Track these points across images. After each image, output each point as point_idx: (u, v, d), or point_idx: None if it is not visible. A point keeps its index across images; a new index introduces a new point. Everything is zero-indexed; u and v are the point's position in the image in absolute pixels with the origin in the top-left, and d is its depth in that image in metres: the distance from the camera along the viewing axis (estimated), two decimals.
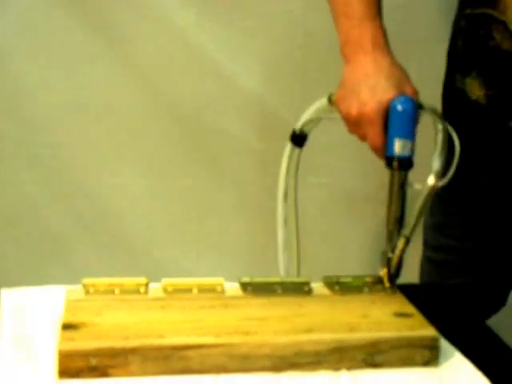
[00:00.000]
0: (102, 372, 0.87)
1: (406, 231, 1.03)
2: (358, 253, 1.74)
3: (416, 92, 1.04)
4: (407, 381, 0.92)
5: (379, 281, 1.07)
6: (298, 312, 0.99)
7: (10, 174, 1.74)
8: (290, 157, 1.21)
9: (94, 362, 0.87)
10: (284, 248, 1.25)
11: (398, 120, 1.01)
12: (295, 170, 1.22)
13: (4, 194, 1.75)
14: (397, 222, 1.04)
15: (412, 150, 1.02)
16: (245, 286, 1.04)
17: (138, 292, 1.01)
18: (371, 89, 1.01)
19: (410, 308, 1.01)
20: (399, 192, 1.03)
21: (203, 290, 1.03)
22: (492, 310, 1.02)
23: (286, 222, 1.24)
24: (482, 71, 1.18)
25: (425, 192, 1.01)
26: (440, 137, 1.01)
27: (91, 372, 0.87)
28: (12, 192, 1.75)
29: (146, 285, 1.02)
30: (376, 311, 1.00)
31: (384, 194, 1.05)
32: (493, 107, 1.19)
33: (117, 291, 1.01)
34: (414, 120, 1.02)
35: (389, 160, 1.03)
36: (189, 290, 1.02)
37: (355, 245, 1.74)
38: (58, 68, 1.70)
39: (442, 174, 1.00)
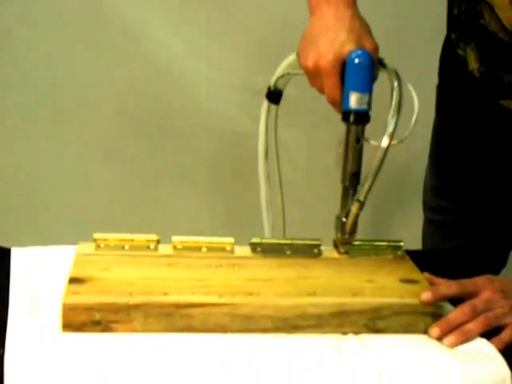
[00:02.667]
0: (105, 327, 0.89)
1: (359, 195, 1.01)
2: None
3: (376, 47, 1.02)
4: (410, 346, 0.92)
5: (389, 245, 1.07)
6: (303, 274, 0.99)
7: None
8: (268, 114, 1.21)
9: (97, 316, 0.88)
10: (268, 206, 1.25)
11: (354, 73, 0.99)
12: (274, 128, 1.21)
13: None
14: (353, 177, 1.02)
15: (369, 104, 1.00)
16: (254, 247, 1.05)
17: (147, 248, 1.02)
18: (330, 41, 0.99)
19: (417, 274, 1.01)
20: (355, 147, 1.01)
21: (212, 248, 1.04)
22: (492, 272, 1.01)
23: (268, 179, 1.23)
24: (477, 45, 1.16)
25: (378, 154, 0.99)
26: (395, 97, 0.99)
27: (95, 326, 0.88)
28: None
29: (157, 241, 1.03)
30: (382, 276, 1.00)
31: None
32: (484, 83, 1.18)
33: (127, 247, 1.02)
34: (370, 74, 0.99)
35: (345, 114, 1.01)
36: (198, 249, 1.03)
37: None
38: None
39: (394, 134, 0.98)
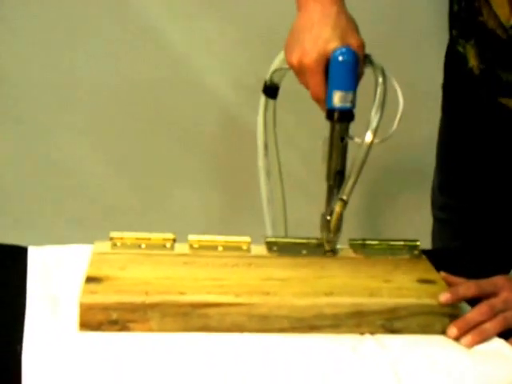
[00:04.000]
0: (123, 326, 0.89)
1: (342, 194, 1.00)
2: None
3: (361, 44, 1.00)
4: (427, 346, 0.92)
5: (405, 245, 1.07)
6: (320, 274, 0.99)
7: None
8: (265, 109, 1.20)
9: (114, 315, 0.88)
10: (269, 202, 1.24)
11: (337, 71, 0.98)
12: (273, 122, 1.21)
13: None
14: (337, 176, 1.02)
15: (353, 103, 0.99)
16: (270, 246, 1.04)
17: (163, 247, 1.02)
18: (314, 38, 0.98)
19: (434, 274, 1.01)
20: (339, 145, 1.01)
21: (229, 247, 1.04)
22: (501, 271, 1.01)
23: (268, 174, 1.23)
24: (477, 42, 1.16)
25: (361, 151, 0.98)
26: (379, 93, 0.98)
27: (112, 325, 0.88)
28: None
29: (173, 240, 1.03)
30: (399, 276, 0.99)
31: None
32: (484, 81, 1.17)
33: (143, 246, 1.02)
34: (354, 72, 0.98)
35: (329, 112, 1.00)
36: (214, 248, 1.03)
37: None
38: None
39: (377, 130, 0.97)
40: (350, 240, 1.07)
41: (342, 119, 1.00)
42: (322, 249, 1.05)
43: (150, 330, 0.89)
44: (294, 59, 1.00)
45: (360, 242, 1.07)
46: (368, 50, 1.01)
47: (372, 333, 0.93)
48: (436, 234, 1.48)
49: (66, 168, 1.82)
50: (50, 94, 1.75)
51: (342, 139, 1.00)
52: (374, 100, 0.98)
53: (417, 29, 1.73)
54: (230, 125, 1.81)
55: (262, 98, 1.19)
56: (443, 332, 0.94)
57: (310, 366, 0.86)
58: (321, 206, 1.04)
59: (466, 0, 1.16)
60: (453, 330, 0.93)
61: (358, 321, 0.92)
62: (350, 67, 0.98)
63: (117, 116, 1.78)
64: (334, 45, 0.98)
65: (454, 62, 1.26)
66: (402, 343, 0.92)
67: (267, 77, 1.16)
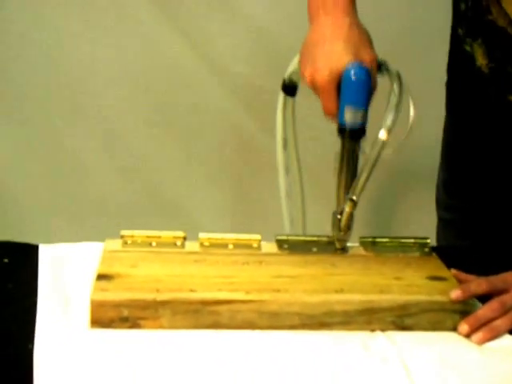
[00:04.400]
0: (133, 323, 0.89)
1: (352, 194, 0.99)
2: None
3: (374, 59, 0.99)
4: (438, 343, 0.92)
5: (415, 242, 1.07)
6: (330, 271, 0.99)
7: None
8: (284, 106, 1.20)
9: (125, 312, 0.89)
10: (287, 200, 1.24)
11: (349, 88, 0.96)
12: (292, 120, 1.21)
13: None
14: (347, 189, 1.00)
15: (364, 119, 0.98)
16: (280, 244, 1.05)
17: (174, 245, 1.03)
18: (326, 54, 0.97)
19: (444, 272, 1.01)
20: (350, 161, 1.00)
21: (239, 245, 1.04)
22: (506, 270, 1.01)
23: (287, 171, 1.22)
24: (485, 41, 1.15)
25: (374, 150, 0.96)
26: (395, 93, 0.96)
27: (123, 323, 0.89)
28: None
29: (183, 238, 1.04)
30: (410, 273, 0.99)
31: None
32: (493, 79, 1.17)
33: (154, 244, 1.02)
34: (367, 89, 0.97)
35: (340, 128, 0.99)
36: (225, 246, 1.03)
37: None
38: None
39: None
40: (361, 238, 1.07)
41: (353, 136, 0.99)
42: (333, 247, 1.05)
43: (161, 327, 0.89)
44: (307, 75, 0.99)
45: (370, 239, 1.07)
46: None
47: (383, 330, 0.93)
48: (441, 234, 1.47)
49: (77, 168, 1.82)
50: (58, 96, 1.75)
51: (354, 155, 1.00)
52: (389, 101, 0.96)
53: (419, 27, 1.72)
54: (247, 122, 1.81)
55: (281, 96, 1.19)
56: (454, 329, 0.94)
57: (321, 362, 0.86)
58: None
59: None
60: (464, 327, 0.93)
61: (369, 318, 0.92)
62: (363, 84, 0.96)
63: (127, 115, 1.78)
64: (346, 60, 0.96)
65: (459, 61, 1.25)
66: (412, 340, 0.92)
67: (285, 75, 1.16)
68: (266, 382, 0.83)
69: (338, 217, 1.02)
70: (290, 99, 1.19)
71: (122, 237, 1.03)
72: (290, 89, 1.18)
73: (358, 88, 0.96)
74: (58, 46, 1.72)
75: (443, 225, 1.45)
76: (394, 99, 0.96)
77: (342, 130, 0.99)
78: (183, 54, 1.73)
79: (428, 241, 1.07)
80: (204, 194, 1.89)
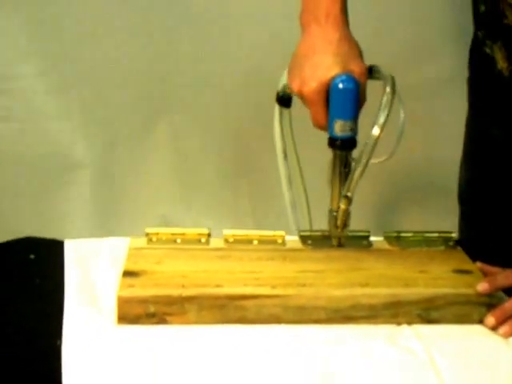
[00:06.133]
0: (160, 319, 0.89)
1: (346, 191, 0.99)
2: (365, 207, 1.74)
3: (363, 71, 0.98)
4: (465, 336, 0.91)
5: (440, 236, 1.06)
6: (355, 266, 0.99)
7: None
8: (281, 117, 1.19)
9: (152, 308, 0.89)
10: (293, 209, 1.24)
11: (338, 99, 0.95)
12: (290, 130, 1.19)
13: None
14: (342, 199, 1.00)
15: (354, 130, 0.97)
16: (304, 239, 1.05)
17: (199, 242, 1.03)
18: (314, 66, 0.96)
19: (470, 265, 1.00)
20: (342, 172, 0.99)
21: (263, 241, 1.04)
22: None
23: (290, 182, 1.22)
24: (504, 44, 1.14)
25: (367, 147, 0.95)
26: (387, 92, 0.94)
27: (149, 319, 0.89)
28: None
29: (208, 235, 1.04)
30: (435, 267, 0.99)
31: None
32: None
33: (178, 241, 1.03)
34: (355, 99, 0.95)
35: (330, 140, 0.98)
36: (249, 242, 1.04)
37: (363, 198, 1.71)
38: None
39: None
40: (385, 232, 1.07)
41: (343, 148, 0.98)
42: (356, 242, 1.05)
43: (188, 322, 0.90)
44: (295, 87, 0.99)
45: (394, 234, 1.07)
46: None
47: (409, 323, 0.92)
48: (463, 229, 1.46)
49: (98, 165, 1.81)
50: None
51: (345, 166, 0.99)
52: (382, 100, 0.95)
53: (439, 23, 1.71)
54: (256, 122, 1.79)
55: (276, 107, 1.18)
56: (480, 322, 0.93)
57: (347, 356, 0.86)
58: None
59: (491, 2, 1.15)
60: (490, 320, 0.93)
61: (395, 311, 0.92)
62: (351, 95, 0.95)
63: (127, 119, 1.77)
64: (334, 72, 0.96)
65: (480, 62, 1.24)
66: (438, 333, 0.91)
67: (278, 87, 1.15)
68: (292, 376, 0.83)
69: (334, 213, 1.02)
70: (286, 110, 1.18)
71: (147, 234, 1.03)
72: (284, 100, 1.17)
73: (345, 99, 0.95)
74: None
75: (466, 219, 1.44)
76: (385, 98, 0.95)
77: (332, 142, 0.98)
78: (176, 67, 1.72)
79: (453, 235, 1.07)
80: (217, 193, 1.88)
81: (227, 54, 1.67)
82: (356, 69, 0.97)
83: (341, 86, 0.95)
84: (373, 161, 0.97)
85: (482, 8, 1.16)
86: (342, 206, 1.00)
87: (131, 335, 0.87)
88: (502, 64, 1.14)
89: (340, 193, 1.00)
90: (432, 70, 1.70)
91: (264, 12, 1.63)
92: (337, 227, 1.02)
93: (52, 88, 1.67)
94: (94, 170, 1.78)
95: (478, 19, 1.20)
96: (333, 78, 0.95)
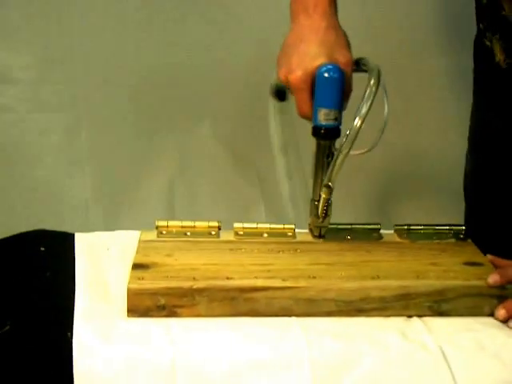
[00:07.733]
0: (170, 311, 0.89)
1: (327, 180, 0.99)
2: (363, 199, 1.72)
3: (348, 61, 0.98)
4: (475, 328, 0.91)
5: (450, 230, 1.06)
6: (365, 258, 0.99)
7: None
8: (277, 111, 1.19)
9: (162, 301, 0.89)
10: (291, 202, 1.23)
11: (323, 88, 0.96)
12: (288, 123, 1.19)
13: None
14: (323, 188, 1.00)
15: (338, 120, 0.97)
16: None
17: (209, 235, 1.03)
18: (300, 55, 0.97)
19: (481, 257, 1.00)
20: (325, 161, 1.00)
21: (274, 234, 1.04)
22: None
23: (289, 177, 1.22)
24: (502, 36, 1.14)
25: (349, 139, 0.95)
26: (371, 84, 0.94)
27: (159, 311, 0.89)
28: None
29: (218, 228, 1.04)
30: (445, 259, 0.99)
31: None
32: (510, 75, 1.15)
33: (189, 233, 1.03)
34: (340, 89, 0.96)
35: (314, 129, 0.98)
36: (259, 234, 1.04)
37: (360, 190, 1.69)
38: None
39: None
40: (395, 225, 1.07)
41: (326, 137, 0.99)
42: (367, 235, 1.05)
43: (198, 314, 0.90)
44: (282, 75, 1.00)
45: (405, 227, 1.07)
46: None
47: (419, 315, 0.92)
48: (470, 222, 1.46)
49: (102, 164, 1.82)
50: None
51: (328, 156, 0.99)
52: (365, 92, 0.95)
53: (445, 16, 1.71)
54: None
55: (271, 101, 1.17)
56: (491, 314, 0.93)
57: (358, 348, 0.86)
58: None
59: None
60: (501, 312, 0.92)
61: (406, 303, 0.92)
62: (336, 84, 0.96)
63: (126, 120, 1.77)
64: (319, 61, 0.96)
65: (482, 54, 1.24)
66: (449, 326, 0.91)
67: (272, 81, 1.15)
68: (302, 368, 0.83)
69: (316, 203, 1.02)
70: (282, 104, 1.18)
71: (157, 227, 1.03)
72: (279, 93, 1.16)
73: (330, 88, 0.96)
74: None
75: (472, 212, 1.43)
76: (369, 90, 0.95)
77: (315, 131, 0.99)
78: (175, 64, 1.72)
79: (463, 227, 1.07)
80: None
81: (227, 47, 1.67)
82: (342, 59, 0.98)
83: (326, 75, 0.95)
84: (352, 152, 0.97)
85: (484, 0, 1.16)
86: (323, 196, 1.00)
87: (141, 327, 0.87)
88: (499, 56, 1.14)
89: (321, 184, 1.00)
90: (438, 62, 1.69)
91: (261, 7, 1.64)
92: (318, 217, 1.02)
93: (55, 82, 1.68)
94: (98, 164, 1.78)
95: (480, 11, 1.20)
96: (318, 67, 0.96)
